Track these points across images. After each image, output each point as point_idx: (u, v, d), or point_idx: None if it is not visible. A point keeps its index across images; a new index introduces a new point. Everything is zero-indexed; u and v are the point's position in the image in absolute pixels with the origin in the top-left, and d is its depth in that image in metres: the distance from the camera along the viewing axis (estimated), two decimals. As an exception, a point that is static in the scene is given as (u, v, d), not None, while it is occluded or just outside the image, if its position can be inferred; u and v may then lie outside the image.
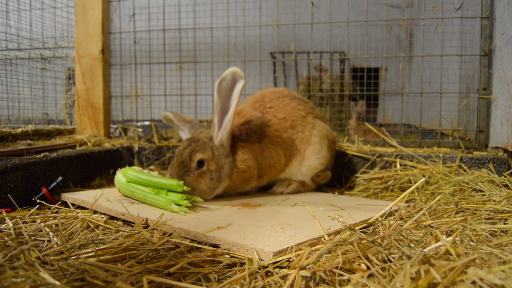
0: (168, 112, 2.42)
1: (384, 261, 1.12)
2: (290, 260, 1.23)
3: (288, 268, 1.19)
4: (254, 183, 2.22)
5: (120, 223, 1.72)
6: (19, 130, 2.50)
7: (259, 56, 3.20)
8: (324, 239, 1.38)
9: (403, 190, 2.32)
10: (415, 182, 2.23)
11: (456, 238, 1.27)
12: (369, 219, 1.59)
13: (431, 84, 3.35)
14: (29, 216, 1.74)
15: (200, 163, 2.00)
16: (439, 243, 1.14)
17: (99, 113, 3.07)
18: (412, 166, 2.48)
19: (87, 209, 1.88)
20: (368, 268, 1.08)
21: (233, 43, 3.37)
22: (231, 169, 2.11)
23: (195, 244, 1.38)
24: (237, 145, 2.15)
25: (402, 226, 1.43)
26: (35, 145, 2.36)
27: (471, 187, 1.99)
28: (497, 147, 2.51)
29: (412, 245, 1.21)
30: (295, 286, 1.03)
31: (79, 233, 1.54)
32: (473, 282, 0.90)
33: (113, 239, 1.44)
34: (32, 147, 2.28)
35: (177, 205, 1.76)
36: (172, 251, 1.30)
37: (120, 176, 2.02)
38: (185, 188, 1.84)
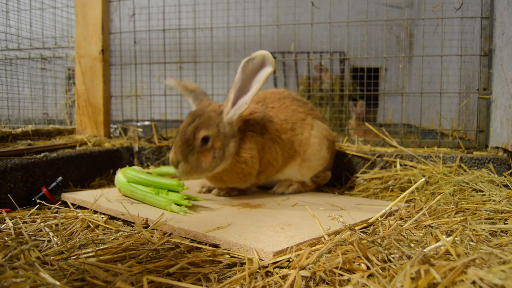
0: (170, 80, 2.33)
1: (384, 261, 1.12)
2: (290, 260, 1.23)
3: (288, 268, 1.19)
4: (253, 179, 2.21)
5: (120, 223, 1.72)
6: (19, 130, 2.50)
7: (259, 56, 3.19)
8: (324, 239, 1.38)
9: (403, 190, 2.32)
10: (415, 182, 2.23)
11: (456, 238, 1.27)
12: (369, 219, 1.59)
13: (431, 84, 3.35)
14: (29, 216, 1.74)
15: (205, 139, 1.96)
16: (439, 243, 1.14)
17: (99, 113, 3.07)
18: (412, 166, 2.48)
19: (87, 209, 1.88)
20: (368, 268, 1.08)
21: (233, 43, 3.36)
22: (236, 147, 2.07)
23: (195, 244, 1.38)
24: (245, 133, 2.12)
25: (402, 226, 1.43)
26: (35, 145, 2.36)
27: (471, 187, 1.99)
28: (497, 147, 2.51)
29: (412, 245, 1.21)
30: (295, 286, 1.03)
31: (79, 233, 1.54)
32: (473, 282, 0.90)
33: (113, 239, 1.44)
34: (32, 147, 2.28)
35: (177, 205, 1.76)
36: (172, 251, 1.30)
37: (121, 176, 2.02)
38: (185, 188, 1.84)
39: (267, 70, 1.94)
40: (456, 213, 1.63)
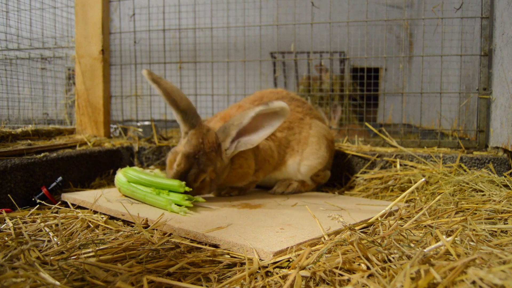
0: (156, 87, 1.96)
1: (384, 261, 1.12)
2: (290, 260, 1.23)
3: (288, 268, 1.19)
4: (250, 177, 2.22)
5: (120, 223, 1.72)
6: (19, 130, 2.50)
7: (259, 56, 3.20)
8: (324, 239, 1.38)
9: (403, 190, 2.32)
10: (415, 182, 2.23)
11: (456, 238, 1.27)
12: (369, 219, 1.59)
13: (431, 84, 3.35)
14: (29, 216, 1.74)
15: (204, 179, 2.00)
16: (439, 243, 1.14)
17: (99, 113, 3.07)
18: (412, 166, 2.48)
19: (87, 209, 1.88)
20: (368, 268, 1.08)
21: (233, 43, 3.36)
22: (229, 170, 2.11)
23: (195, 244, 1.38)
24: None
25: (402, 226, 1.43)
26: (35, 145, 2.35)
27: (471, 187, 1.99)
28: (497, 147, 2.51)
29: (412, 245, 1.21)
30: (295, 286, 1.03)
31: (79, 233, 1.54)
32: (473, 282, 0.90)
33: (113, 239, 1.44)
34: (32, 147, 2.28)
35: (177, 205, 1.76)
36: (172, 251, 1.30)
37: (121, 176, 2.02)
38: (186, 188, 1.84)
39: (281, 120, 1.96)
40: (456, 213, 1.63)
